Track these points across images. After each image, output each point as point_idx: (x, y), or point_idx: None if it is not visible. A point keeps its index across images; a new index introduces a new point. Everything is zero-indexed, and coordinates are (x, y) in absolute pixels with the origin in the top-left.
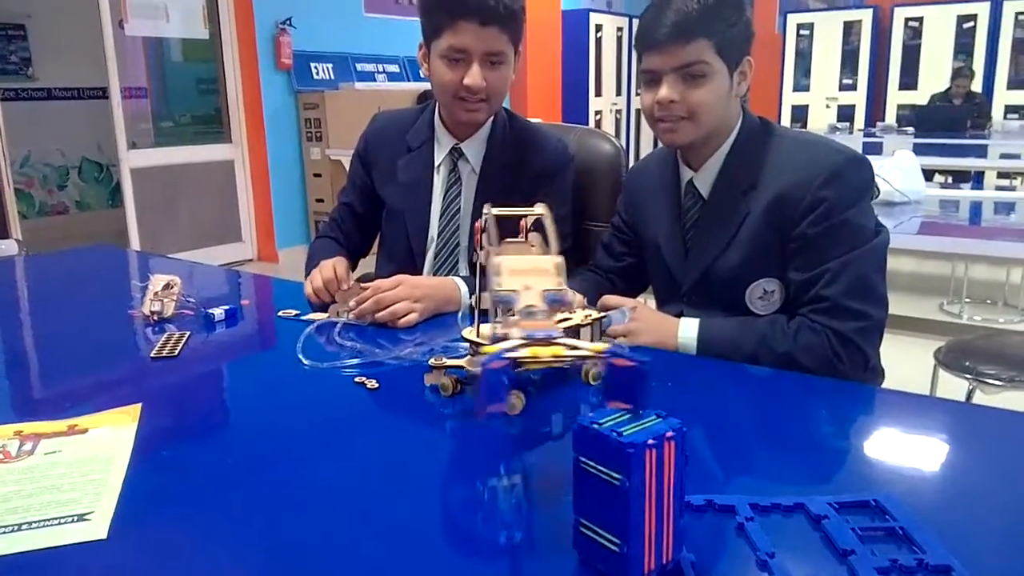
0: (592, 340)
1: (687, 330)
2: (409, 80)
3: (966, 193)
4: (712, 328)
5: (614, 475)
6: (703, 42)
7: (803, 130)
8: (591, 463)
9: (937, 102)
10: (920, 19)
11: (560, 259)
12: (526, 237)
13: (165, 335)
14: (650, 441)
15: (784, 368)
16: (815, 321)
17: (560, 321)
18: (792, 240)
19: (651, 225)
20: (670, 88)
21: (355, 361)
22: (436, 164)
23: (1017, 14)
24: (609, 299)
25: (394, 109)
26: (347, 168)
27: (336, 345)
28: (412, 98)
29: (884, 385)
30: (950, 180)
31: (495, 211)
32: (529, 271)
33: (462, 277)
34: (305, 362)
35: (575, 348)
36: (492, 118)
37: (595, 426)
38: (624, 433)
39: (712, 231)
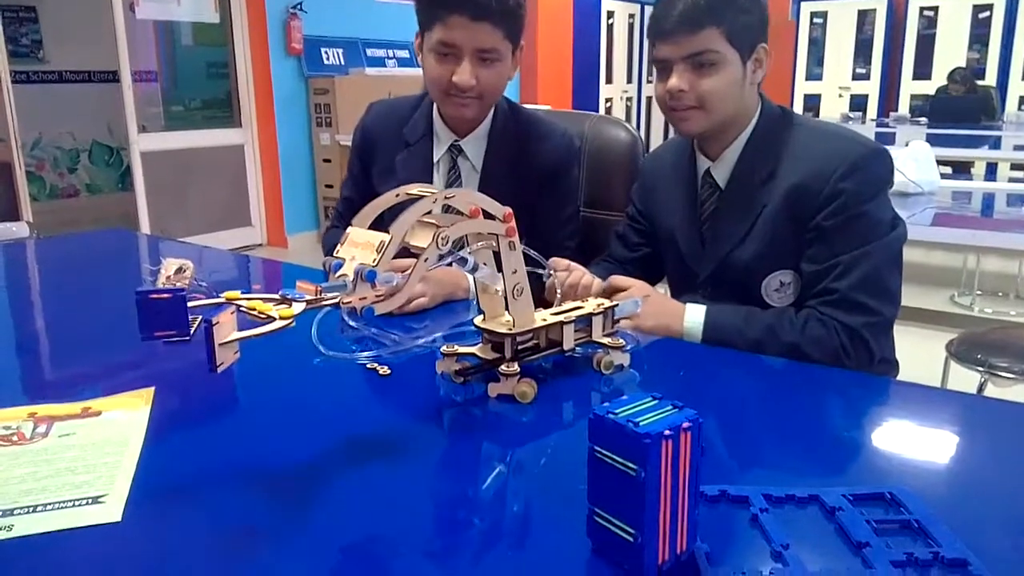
0: (604, 328)
1: (693, 316)
2: (419, 66)
3: (979, 184)
4: (718, 315)
5: (630, 465)
6: (713, 30)
7: (824, 120)
8: (607, 453)
9: (940, 95)
10: (935, 8)
11: (387, 236)
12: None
13: None
14: (666, 432)
15: (789, 359)
16: (824, 313)
17: (573, 309)
18: (808, 231)
19: (667, 215)
20: (680, 77)
21: (370, 353)
22: (435, 160)
23: None
24: (616, 280)
25: (391, 98)
26: None
27: (348, 331)
28: (422, 84)
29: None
30: (950, 171)
31: (416, 189)
32: (362, 245)
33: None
34: (324, 352)
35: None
36: (493, 112)
37: (611, 416)
38: (640, 423)
39: (729, 222)
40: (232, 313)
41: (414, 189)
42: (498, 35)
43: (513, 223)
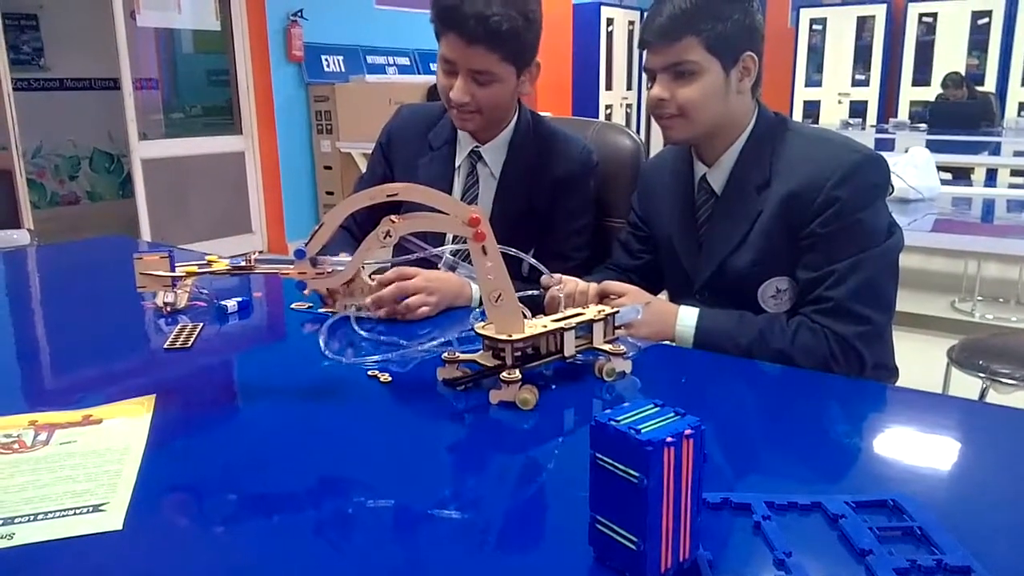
0: (605, 336)
1: (686, 320)
2: (420, 73)
3: (979, 190)
4: (710, 320)
5: (632, 473)
6: (691, 40)
7: (819, 126)
8: (608, 460)
9: (940, 101)
10: (934, 15)
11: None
12: None
13: (178, 326)
14: (669, 439)
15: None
16: (816, 321)
17: (574, 316)
18: (803, 238)
19: (664, 220)
20: (661, 86)
21: (376, 357)
22: (456, 166)
23: None
24: (610, 285)
25: (419, 104)
26: (357, 161)
27: (353, 338)
28: (422, 92)
29: (897, 383)
30: (950, 177)
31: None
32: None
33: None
34: (330, 356)
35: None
36: (516, 122)
37: (613, 423)
38: (642, 430)
39: (725, 228)
40: (163, 257)
41: (390, 191)
42: (493, 58)
43: (481, 228)
